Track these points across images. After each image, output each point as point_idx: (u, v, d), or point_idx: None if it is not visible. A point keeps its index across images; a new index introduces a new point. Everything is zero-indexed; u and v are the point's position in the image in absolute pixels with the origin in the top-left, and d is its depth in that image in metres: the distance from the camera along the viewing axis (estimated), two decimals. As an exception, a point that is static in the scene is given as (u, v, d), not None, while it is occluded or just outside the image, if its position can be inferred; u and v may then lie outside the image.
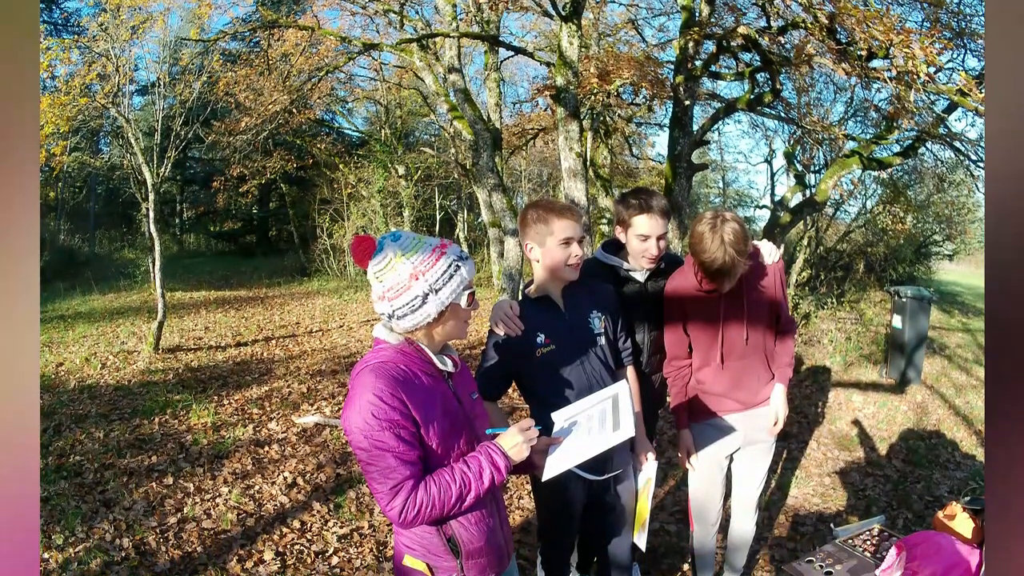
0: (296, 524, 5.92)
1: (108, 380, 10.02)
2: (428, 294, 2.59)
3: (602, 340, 3.83)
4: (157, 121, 12.74)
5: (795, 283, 15.56)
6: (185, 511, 6.05)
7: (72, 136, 16.15)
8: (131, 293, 18.65)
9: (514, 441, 2.72)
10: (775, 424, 4.31)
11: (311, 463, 7.13)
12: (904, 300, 10.44)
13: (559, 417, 3.22)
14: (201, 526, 5.82)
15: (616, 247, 4.38)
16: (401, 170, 23.37)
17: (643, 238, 4.13)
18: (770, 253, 4.12)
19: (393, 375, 2.55)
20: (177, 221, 32.75)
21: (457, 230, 24.50)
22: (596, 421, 3.04)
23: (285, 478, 6.77)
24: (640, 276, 4.30)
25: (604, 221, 19.06)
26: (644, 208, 4.08)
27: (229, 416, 8.49)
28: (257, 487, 6.59)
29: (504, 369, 3.75)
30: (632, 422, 2.93)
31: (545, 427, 3.07)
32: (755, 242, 4.13)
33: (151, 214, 12.02)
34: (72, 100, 10.90)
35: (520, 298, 3.96)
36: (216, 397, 9.25)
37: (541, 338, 3.67)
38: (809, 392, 10.02)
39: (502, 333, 3.65)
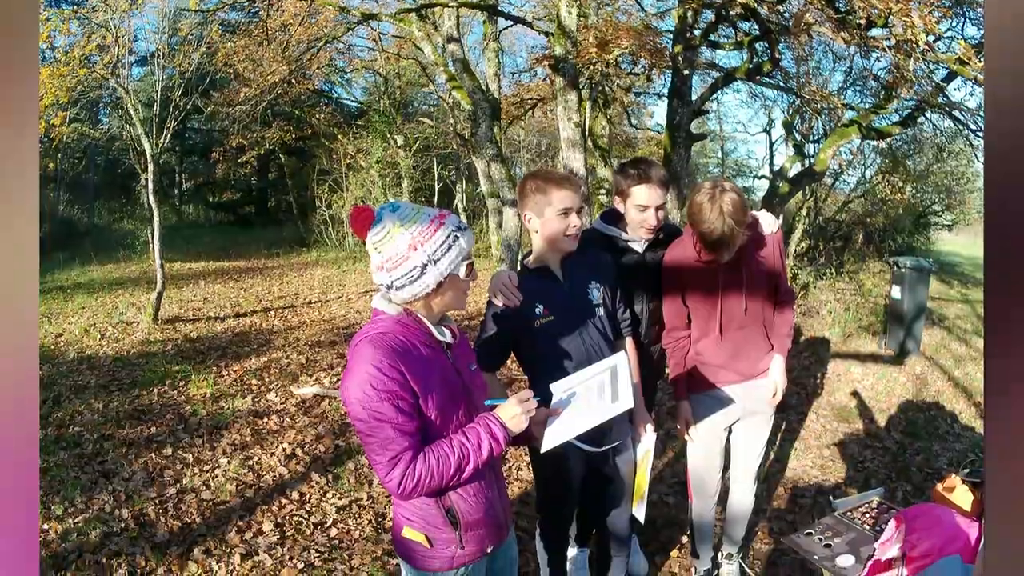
0: (295, 495, 5.95)
1: (107, 351, 10.03)
2: (427, 265, 2.59)
3: (600, 311, 3.83)
4: (156, 92, 12.70)
5: (794, 253, 15.58)
6: (184, 482, 6.08)
7: (71, 107, 16.08)
8: (130, 264, 18.64)
9: (512, 412, 2.72)
10: (774, 395, 4.32)
11: (310, 434, 7.16)
12: (903, 271, 10.45)
13: (557, 388, 3.23)
14: (200, 497, 5.85)
15: (615, 217, 4.37)
16: (400, 140, 23.30)
17: (642, 208, 4.12)
18: (769, 223, 4.12)
19: (392, 346, 2.55)
20: (176, 192, 32.66)
21: (456, 200, 24.45)
22: (595, 392, 3.05)
23: (284, 449, 6.80)
24: (639, 246, 4.29)
25: (603, 191, 19.03)
26: (643, 178, 4.07)
27: (228, 387, 8.51)
28: (256, 458, 6.62)
29: (503, 340, 3.75)
30: (631, 393, 2.93)
31: (544, 398, 3.07)
32: (754, 212, 4.12)
33: (150, 185, 12.00)
34: (71, 71, 10.88)
35: (519, 268, 3.95)
36: (215, 368, 9.26)
37: (540, 309, 3.67)
38: (808, 363, 10.04)
39: (500, 304, 3.65)
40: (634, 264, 4.28)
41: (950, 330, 11.86)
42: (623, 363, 3.19)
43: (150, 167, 12.05)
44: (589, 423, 2.85)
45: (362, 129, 24.07)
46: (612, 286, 3.96)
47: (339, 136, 23.41)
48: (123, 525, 5.34)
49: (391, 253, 2.59)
